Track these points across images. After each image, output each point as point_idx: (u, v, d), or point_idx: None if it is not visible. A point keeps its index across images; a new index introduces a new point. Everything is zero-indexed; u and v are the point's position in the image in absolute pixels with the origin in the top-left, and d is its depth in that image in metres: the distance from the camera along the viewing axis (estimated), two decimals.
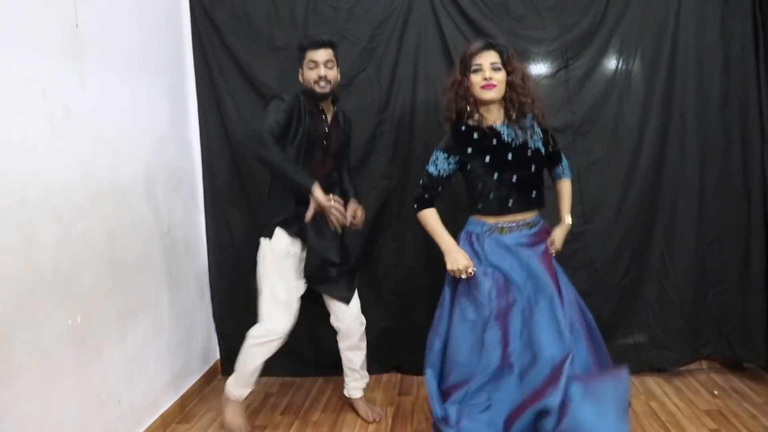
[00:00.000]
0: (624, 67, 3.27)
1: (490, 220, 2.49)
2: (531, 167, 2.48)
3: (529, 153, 2.47)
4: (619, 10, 3.24)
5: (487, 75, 2.41)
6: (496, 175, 2.43)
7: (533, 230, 2.51)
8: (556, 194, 2.77)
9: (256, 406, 3.23)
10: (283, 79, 3.35)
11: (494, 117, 2.51)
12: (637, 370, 3.35)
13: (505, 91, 2.47)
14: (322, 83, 2.71)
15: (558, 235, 2.66)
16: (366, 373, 3.10)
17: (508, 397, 2.27)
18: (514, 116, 2.48)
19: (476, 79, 2.44)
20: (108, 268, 2.57)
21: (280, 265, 2.81)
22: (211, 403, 3.28)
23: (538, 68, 3.32)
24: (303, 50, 2.76)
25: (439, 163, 2.52)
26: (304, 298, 2.90)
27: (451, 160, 2.51)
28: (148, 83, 3.02)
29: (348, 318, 2.91)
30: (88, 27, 2.48)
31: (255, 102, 3.42)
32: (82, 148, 2.42)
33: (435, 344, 2.56)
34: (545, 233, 2.58)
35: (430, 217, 2.55)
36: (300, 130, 2.71)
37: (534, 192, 2.51)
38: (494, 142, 2.47)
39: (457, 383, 2.39)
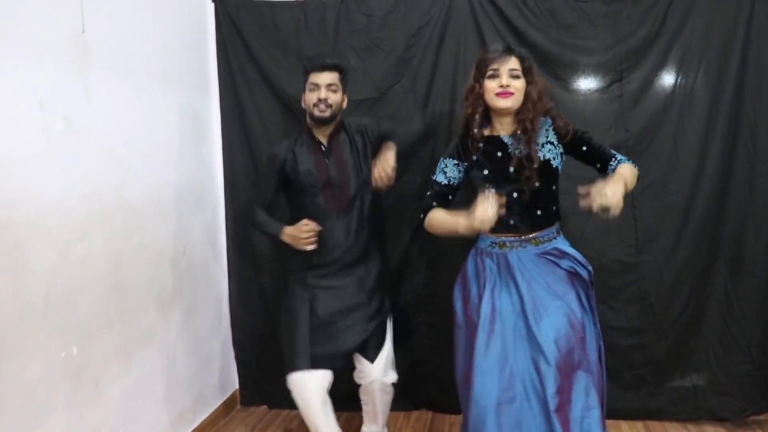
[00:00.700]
0: (685, 80, 2.97)
1: (491, 235, 2.24)
2: (535, 182, 2.18)
3: (535, 165, 2.17)
4: (680, 18, 2.95)
5: (504, 81, 2.17)
6: (492, 191, 2.08)
7: (540, 248, 2.22)
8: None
9: None
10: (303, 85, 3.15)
11: (505, 128, 2.27)
12: (695, 417, 3.06)
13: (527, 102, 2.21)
14: (322, 106, 2.53)
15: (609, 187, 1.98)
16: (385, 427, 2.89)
17: None
18: (524, 130, 2.20)
19: (491, 85, 2.19)
20: (110, 293, 2.37)
21: None
22: None
23: (589, 81, 3.05)
24: (306, 72, 2.58)
25: (449, 171, 2.32)
26: None
27: (461, 167, 2.31)
28: (166, 95, 2.84)
29: (367, 377, 2.67)
30: (97, 33, 2.30)
31: (281, 116, 3.25)
32: (85, 163, 2.24)
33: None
34: (560, 253, 2.23)
35: (437, 214, 2.26)
36: (295, 177, 2.59)
37: (539, 210, 2.22)
38: (499, 154, 2.24)
39: None
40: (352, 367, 2.73)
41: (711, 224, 2.98)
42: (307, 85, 2.58)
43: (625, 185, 2.01)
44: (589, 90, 3.04)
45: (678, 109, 2.97)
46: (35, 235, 1.99)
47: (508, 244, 2.23)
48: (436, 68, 3.13)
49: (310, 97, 2.56)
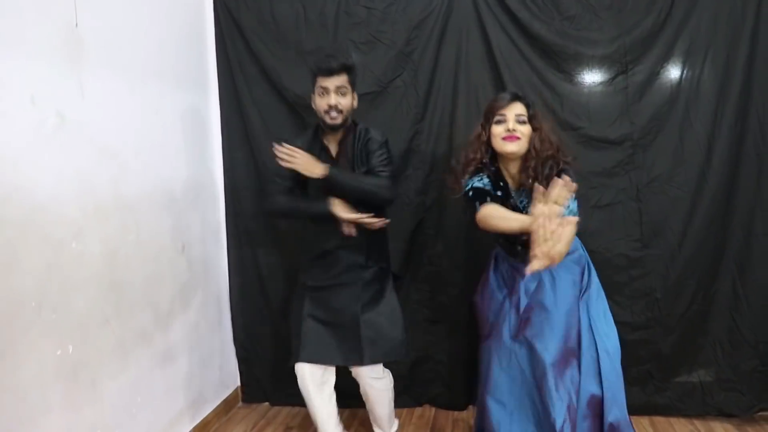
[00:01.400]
0: (691, 72, 2.91)
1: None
2: None
3: None
4: (686, 8, 2.88)
5: (511, 126, 2.26)
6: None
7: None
8: None
9: None
10: (312, 86, 3.10)
11: (511, 174, 2.36)
12: (702, 413, 3.02)
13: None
14: (333, 113, 2.48)
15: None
16: (389, 424, 2.83)
17: None
18: (529, 179, 2.24)
19: (498, 130, 2.28)
20: (107, 292, 2.34)
21: None
22: None
23: (593, 74, 2.99)
24: (313, 75, 2.52)
25: (485, 182, 2.34)
26: None
27: (484, 180, 2.34)
28: (164, 91, 2.80)
29: (360, 378, 2.65)
30: (91, 27, 2.27)
31: (281, 111, 3.21)
32: (79, 160, 2.20)
33: None
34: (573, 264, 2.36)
35: (495, 207, 2.22)
36: (305, 177, 2.50)
37: None
38: (507, 203, 2.31)
39: None
40: None
41: (718, 218, 2.92)
42: (315, 89, 2.52)
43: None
44: (594, 82, 2.99)
45: (684, 102, 2.91)
46: (28, 233, 1.96)
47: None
48: (438, 62, 3.08)
49: (320, 103, 2.50)
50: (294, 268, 3.24)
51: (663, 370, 3.02)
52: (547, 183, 2.04)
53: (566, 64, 2.99)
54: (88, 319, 2.23)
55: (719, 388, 2.99)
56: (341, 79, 2.49)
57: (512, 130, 2.25)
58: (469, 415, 3.14)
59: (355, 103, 2.59)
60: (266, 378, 3.38)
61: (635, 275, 2.96)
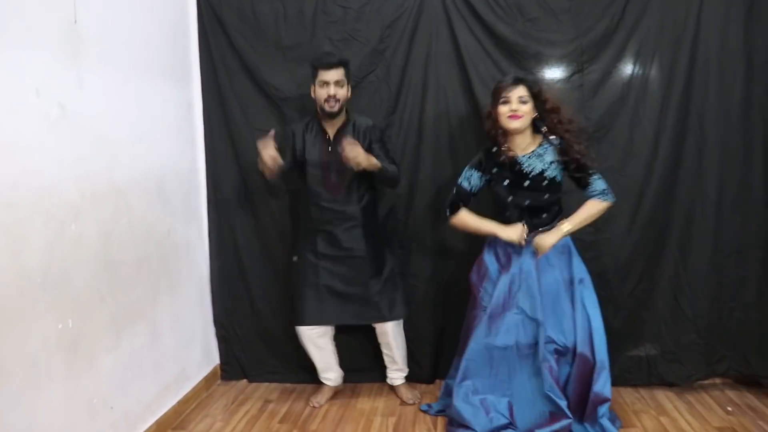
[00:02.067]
0: (640, 72, 3.17)
1: None
2: (545, 194, 2.75)
3: (545, 183, 2.73)
4: (636, 14, 3.14)
5: (514, 107, 2.67)
6: (510, 198, 2.77)
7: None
8: None
9: (254, 413, 3.16)
10: (290, 79, 3.30)
11: (519, 147, 2.76)
12: (647, 383, 3.29)
13: (543, 118, 2.73)
14: (332, 102, 2.90)
15: (545, 237, 2.72)
16: (405, 365, 3.30)
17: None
18: (543, 133, 2.75)
19: (503, 109, 2.69)
20: (102, 271, 2.50)
21: None
22: (208, 409, 3.22)
23: (552, 72, 3.23)
24: (315, 69, 2.90)
25: (473, 180, 2.83)
26: None
27: (483, 178, 2.83)
28: (151, 82, 2.96)
29: (386, 333, 3.17)
30: (88, 23, 2.42)
31: (261, 103, 3.38)
32: (78, 148, 2.36)
33: None
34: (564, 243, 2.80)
35: (466, 216, 2.84)
36: (302, 158, 3.03)
37: (545, 215, 2.77)
38: (515, 169, 2.75)
39: None
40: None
41: (663, 206, 3.18)
42: (316, 82, 2.92)
43: (579, 225, 2.73)
44: (553, 80, 3.22)
45: (634, 99, 3.16)
46: (34, 215, 2.11)
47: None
48: (409, 59, 3.28)
49: (320, 93, 2.91)
50: (271, 252, 3.46)
51: (613, 344, 3.19)
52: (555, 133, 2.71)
53: (528, 62, 3.21)
54: (85, 296, 2.39)
55: (662, 359, 3.26)
56: (339, 73, 2.88)
57: (515, 110, 2.66)
58: (435, 387, 3.37)
59: (350, 95, 2.97)
60: (244, 356, 3.56)
61: (589, 257, 3.16)
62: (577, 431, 2.69)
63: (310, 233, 3.09)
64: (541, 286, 2.72)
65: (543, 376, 2.63)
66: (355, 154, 2.76)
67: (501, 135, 2.74)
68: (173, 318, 3.12)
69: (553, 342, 2.67)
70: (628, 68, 3.18)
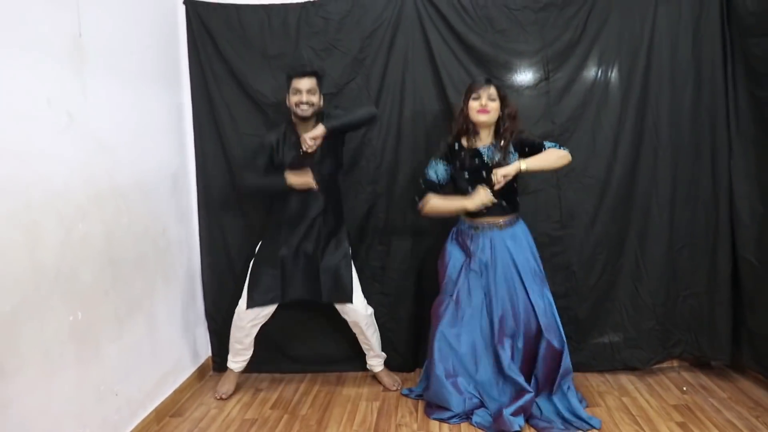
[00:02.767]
0: (601, 79, 3.42)
1: (468, 221, 3.10)
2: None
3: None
4: (597, 26, 3.40)
5: (483, 102, 2.95)
6: (469, 189, 3.01)
7: (504, 231, 3.06)
8: None
9: (247, 400, 3.36)
10: (275, 86, 3.48)
11: (483, 140, 3.03)
12: (611, 368, 3.53)
13: (499, 120, 3.01)
14: (304, 107, 3.12)
15: (502, 168, 2.90)
16: (381, 352, 3.50)
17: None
18: (502, 142, 2.99)
19: (474, 104, 2.98)
20: (106, 267, 2.69)
21: None
22: (203, 398, 3.41)
23: (520, 79, 3.47)
24: (289, 78, 3.13)
25: (439, 171, 3.10)
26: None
27: (448, 169, 3.10)
28: (146, 91, 3.14)
29: (352, 315, 3.32)
30: (91, 36, 2.60)
31: (248, 108, 3.57)
32: (83, 153, 2.55)
33: None
34: (519, 235, 3.08)
35: (435, 200, 3.06)
36: (278, 163, 3.22)
37: (504, 202, 3.02)
38: (476, 161, 3.01)
39: None
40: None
41: (623, 203, 3.44)
42: (290, 89, 3.12)
43: (536, 165, 2.91)
44: (521, 87, 3.46)
45: (596, 105, 3.42)
46: (48, 215, 2.30)
47: (479, 228, 3.06)
48: (387, 67, 3.50)
49: (293, 99, 3.13)
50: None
51: (579, 333, 3.51)
52: (510, 140, 2.98)
53: (497, 70, 3.45)
54: (92, 290, 2.58)
55: (625, 345, 3.51)
56: (311, 82, 3.10)
57: (484, 105, 2.94)
58: (415, 375, 3.60)
59: (322, 103, 3.17)
60: None
61: (555, 251, 3.46)
62: (545, 407, 2.95)
63: (280, 228, 3.29)
64: (497, 275, 3.01)
65: (500, 357, 2.93)
66: (305, 138, 3.03)
67: (470, 128, 3.02)
68: (169, 312, 3.31)
69: (506, 327, 3.00)
70: (590, 76, 3.43)
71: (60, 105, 2.40)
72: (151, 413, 3.04)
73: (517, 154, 2.98)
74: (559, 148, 2.96)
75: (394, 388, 3.42)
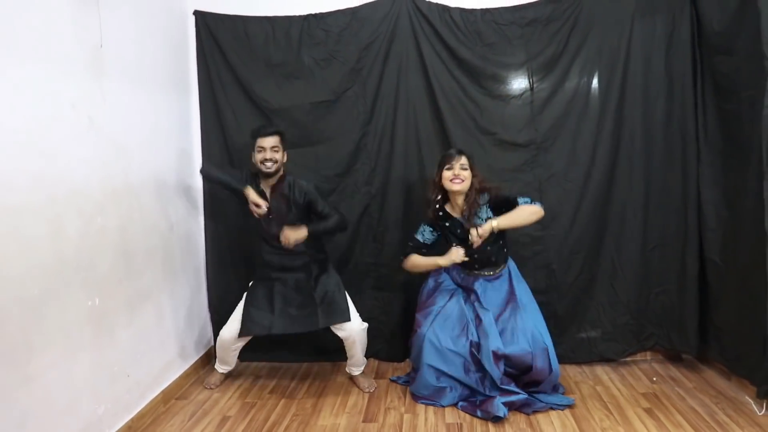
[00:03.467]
0: (582, 90, 3.67)
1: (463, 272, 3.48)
2: (486, 246, 3.31)
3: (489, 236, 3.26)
4: (579, 41, 3.64)
5: (456, 171, 3.24)
6: (459, 247, 3.34)
7: (490, 278, 3.42)
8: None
9: (247, 386, 3.60)
10: (278, 93, 3.74)
11: (458, 208, 3.34)
12: (588, 360, 3.77)
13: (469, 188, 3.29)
14: (268, 164, 3.33)
15: (482, 226, 3.22)
16: (365, 359, 3.61)
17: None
18: (470, 209, 3.28)
19: (447, 174, 3.27)
20: (121, 258, 2.94)
21: None
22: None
23: (507, 90, 3.71)
24: (254, 137, 3.34)
25: (425, 234, 3.45)
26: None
27: (435, 233, 3.45)
28: (157, 96, 3.40)
29: (350, 333, 3.43)
30: (110, 47, 2.86)
31: (252, 113, 3.81)
32: (102, 153, 2.80)
33: None
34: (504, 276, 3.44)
35: (415, 256, 3.44)
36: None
37: (493, 257, 3.38)
38: (458, 230, 3.34)
39: None
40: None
41: (600, 206, 3.68)
42: (255, 148, 3.35)
43: (508, 224, 3.24)
44: (507, 97, 3.70)
45: (576, 114, 3.65)
46: (69, 209, 2.54)
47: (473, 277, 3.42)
48: (383, 77, 3.75)
49: (258, 156, 3.34)
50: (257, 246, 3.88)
51: (559, 327, 3.72)
52: (475, 209, 3.29)
53: (485, 81, 3.70)
54: (108, 279, 2.82)
55: (601, 339, 3.74)
56: (275, 140, 3.36)
57: (457, 174, 3.23)
58: (405, 365, 3.84)
59: (285, 159, 3.42)
60: None
61: (537, 251, 3.70)
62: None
63: (264, 268, 3.51)
64: (487, 304, 3.32)
65: (494, 376, 3.16)
66: (289, 237, 3.33)
67: (443, 197, 3.35)
68: (175, 302, 3.55)
69: (497, 352, 3.19)
70: (571, 87, 3.67)
71: (82, 109, 2.65)
72: (158, 395, 3.28)
73: (491, 214, 3.29)
74: (532, 203, 3.25)
75: (369, 391, 3.51)
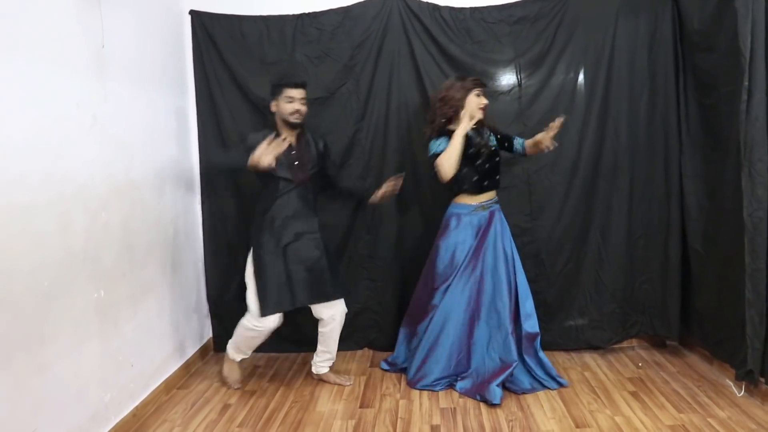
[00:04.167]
0: (569, 86, 3.78)
1: (471, 201, 3.46)
2: (495, 158, 3.45)
3: (494, 149, 3.44)
4: (565, 39, 3.76)
5: (485, 101, 3.38)
6: (465, 170, 3.39)
7: (487, 212, 3.46)
8: (533, 144, 3.44)
9: (246, 375, 3.70)
10: (272, 95, 3.79)
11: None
12: (575, 347, 3.90)
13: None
14: (297, 115, 3.30)
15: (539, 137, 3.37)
16: (334, 355, 3.59)
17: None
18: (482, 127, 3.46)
19: (476, 100, 3.37)
20: (124, 252, 3.03)
21: None
22: (205, 374, 3.75)
23: (496, 85, 3.82)
24: (281, 86, 3.30)
25: (443, 145, 3.34)
26: None
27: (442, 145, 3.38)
28: (156, 95, 3.48)
29: (336, 308, 3.45)
30: (112, 46, 2.94)
31: (247, 110, 3.90)
32: (105, 151, 2.88)
33: None
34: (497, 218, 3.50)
35: (443, 154, 3.32)
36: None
37: (498, 176, 3.49)
38: (476, 139, 3.40)
39: None
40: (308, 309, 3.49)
41: (586, 198, 3.80)
42: (282, 98, 3.29)
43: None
44: (496, 93, 3.80)
45: (563, 109, 3.71)
46: (76, 205, 2.63)
47: (485, 206, 3.46)
48: (376, 73, 3.85)
49: (287, 107, 3.28)
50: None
51: (547, 315, 3.84)
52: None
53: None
54: (112, 272, 2.91)
55: (588, 327, 3.87)
56: (302, 92, 3.33)
57: (486, 104, 3.39)
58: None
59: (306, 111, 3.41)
60: (233, 330, 4.06)
61: (526, 241, 3.81)
62: (519, 374, 3.35)
63: (273, 225, 3.33)
64: (496, 252, 3.42)
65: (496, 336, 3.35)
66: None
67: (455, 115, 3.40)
68: (176, 295, 3.65)
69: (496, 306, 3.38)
70: (558, 83, 3.79)
71: (87, 108, 2.73)
72: (161, 384, 3.38)
73: (494, 138, 3.47)
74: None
75: (348, 384, 3.53)
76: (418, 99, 3.85)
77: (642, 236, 3.81)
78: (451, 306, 3.41)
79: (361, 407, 3.23)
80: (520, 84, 3.82)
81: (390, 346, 4.01)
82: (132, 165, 3.14)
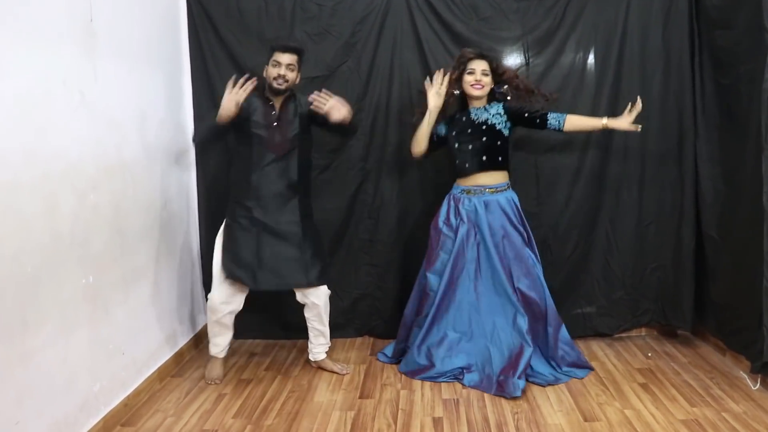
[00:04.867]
0: (578, 65, 3.66)
1: (462, 183, 3.34)
2: (482, 138, 3.26)
3: (484, 128, 3.26)
4: (575, 16, 3.62)
5: (478, 77, 3.22)
6: (457, 145, 3.32)
7: (487, 197, 3.29)
8: (580, 128, 3.32)
9: (242, 363, 3.60)
10: (267, 59, 3.67)
11: (474, 107, 3.33)
12: (583, 334, 3.79)
13: (512, 84, 3.32)
14: (280, 81, 3.16)
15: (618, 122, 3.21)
16: (329, 339, 3.48)
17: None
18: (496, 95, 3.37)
19: (468, 78, 3.24)
20: (115, 236, 2.90)
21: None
22: (200, 362, 3.63)
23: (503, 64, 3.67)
24: (272, 50, 3.18)
25: (440, 128, 3.37)
26: None
27: (443, 124, 3.40)
28: (150, 72, 3.34)
29: (320, 294, 3.32)
30: (101, 21, 2.79)
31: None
32: (94, 130, 2.74)
33: None
34: (508, 206, 3.32)
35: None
36: (246, 120, 3.19)
37: (484, 157, 3.26)
38: (464, 119, 3.32)
39: None
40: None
41: (595, 181, 3.68)
42: (270, 61, 3.19)
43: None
44: None
45: (572, 89, 3.64)
46: (63, 186, 2.50)
47: (472, 191, 3.30)
48: (377, 51, 3.71)
49: (271, 71, 3.18)
50: None
51: (555, 302, 3.65)
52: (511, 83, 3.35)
53: None
54: (102, 257, 2.79)
55: (596, 314, 3.77)
56: (292, 58, 3.19)
57: (479, 80, 3.24)
58: None
59: (298, 81, 3.27)
60: None
61: (533, 226, 3.61)
62: (539, 366, 3.26)
63: (246, 200, 3.22)
64: (489, 237, 3.29)
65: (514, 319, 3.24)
66: (332, 102, 3.12)
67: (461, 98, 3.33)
68: (169, 281, 3.53)
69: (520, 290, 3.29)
70: (567, 62, 3.66)
71: (74, 85, 2.60)
72: (154, 372, 3.27)
73: (499, 115, 3.28)
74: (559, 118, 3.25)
75: (346, 372, 3.43)
76: (421, 77, 3.68)
77: (653, 222, 3.70)
78: (445, 291, 3.32)
79: (360, 397, 3.12)
80: (527, 63, 3.68)
81: (391, 334, 3.89)
82: (124, 144, 3.01)
